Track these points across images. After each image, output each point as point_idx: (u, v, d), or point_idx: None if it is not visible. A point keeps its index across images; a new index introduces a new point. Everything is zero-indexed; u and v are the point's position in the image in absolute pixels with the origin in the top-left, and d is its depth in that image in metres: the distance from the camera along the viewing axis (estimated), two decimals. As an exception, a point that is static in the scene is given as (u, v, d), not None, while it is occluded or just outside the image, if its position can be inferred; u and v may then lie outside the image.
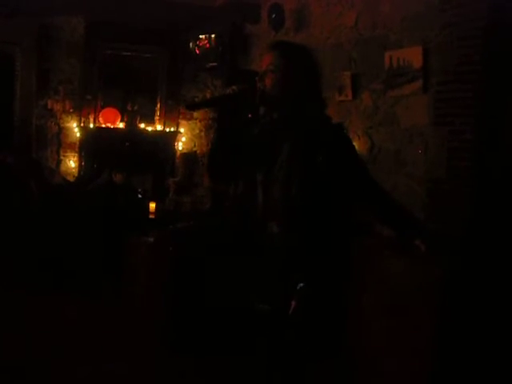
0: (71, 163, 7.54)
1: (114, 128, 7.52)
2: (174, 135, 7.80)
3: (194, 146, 7.85)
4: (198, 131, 7.84)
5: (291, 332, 2.27)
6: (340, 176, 2.29)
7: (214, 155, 2.46)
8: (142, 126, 7.66)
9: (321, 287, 2.28)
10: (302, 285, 2.23)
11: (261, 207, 2.35)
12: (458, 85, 3.97)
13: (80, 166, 7.50)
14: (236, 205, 2.46)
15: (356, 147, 5.42)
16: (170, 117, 7.74)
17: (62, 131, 7.54)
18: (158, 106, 7.75)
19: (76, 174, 7.49)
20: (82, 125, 7.47)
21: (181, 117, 7.75)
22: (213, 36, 7.22)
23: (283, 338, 2.29)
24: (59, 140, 7.54)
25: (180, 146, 7.78)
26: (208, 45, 7.24)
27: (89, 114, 7.51)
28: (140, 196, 6.68)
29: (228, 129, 2.38)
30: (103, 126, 7.51)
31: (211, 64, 7.32)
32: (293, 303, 2.23)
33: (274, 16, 6.50)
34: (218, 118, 2.42)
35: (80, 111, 7.50)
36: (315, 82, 2.41)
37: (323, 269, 2.29)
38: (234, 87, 2.34)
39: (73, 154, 7.55)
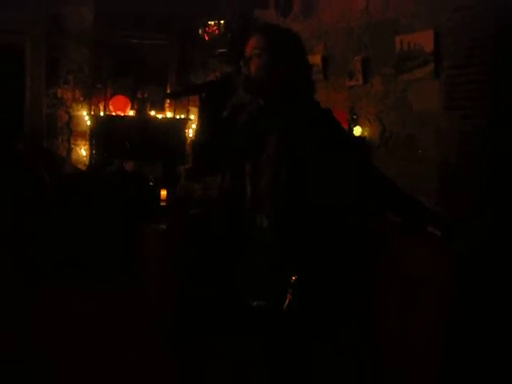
0: (82, 151, 7.56)
1: (124, 116, 7.53)
2: (185, 122, 7.79)
3: (205, 132, 7.82)
4: (208, 118, 7.81)
5: (288, 326, 2.21)
6: (331, 163, 2.20)
7: (199, 146, 2.35)
8: (153, 113, 7.66)
9: (316, 278, 2.22)
10: (296, 277, 2.16)
11: (249, 199, 2.25)
12: (470, 68, 3.93)
13: (91, 154, 7.51)
14: (223, 198, 2.31)
15: (367, 132, 5.45)
16: (180, 104, 7.72)
17: (72, 120, 7.56)
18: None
19: (87, 163, 7.51)
20: (92, 113, 7.48)
21: (191, 104, 7.72)
22: (222, 22, 7.19)
23: (281, 332, 2.23)
24: (70, 128, 7.56)
25: (190, 132, 7.77)
26: (217, 31, 7.20)
27: (99, 102, 7.53)
28: (151, 183, 6.69)
29: (213, 117, 2.26)
30: (113, 113, 7.51)
31: (221, 50, 7.29)
32: (288, 296, 2.16)
33: (281, 1, 6.45)
34: (202, 107, 2.29)
35: (90, 99, 7.51)
36: (302, 66, 2.32)
37: (317, 259, 2.22)
38: (217, 73, 2.26)
39: (83, 142, 7.57)
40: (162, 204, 6.23)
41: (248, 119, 2.31)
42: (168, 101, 7.70)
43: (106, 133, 7.42)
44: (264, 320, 2.27)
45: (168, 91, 7.68)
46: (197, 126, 2.39)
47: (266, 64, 2.23)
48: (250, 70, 2.25)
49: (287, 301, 2.17)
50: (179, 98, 7.15)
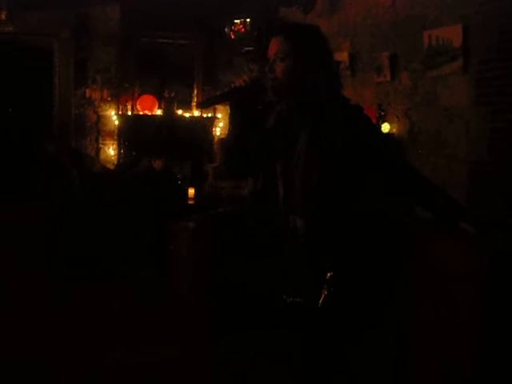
0: (110, 151, 7.64)
1: (151, 115, 7.59)
2: (212, 121, 7.83)
3: (232, 131, 7.84)
4: (235, 116, 7.83)
5: (323, 322, 2.22)
6: (362, 160, 2.18)
7: (231, 150, 2.35)
8: (180, 112, 7.70)
9: (351, 274, 2.22)
10: (331, 274, 2.17)
11: (282, 200, 2.26)
12: (500, 63, 3.89)
13: (119, 153, 7.59)
14: (256, 199, 2.34)
15: (395, 128, 5.42)
16: (206, 103, 7.76)
17: (100, 119, 7.64)
18: (195, 91, 7.78)
19: (115, 162, 7.58)
20: (120, 113, 7.55)
21: (217, 102, 7.75)
22: (248, 20, 7.21)
23: (316, 328, 2.25)
24: (98, 128, 7.65)
25: (218, 131, 7.81)
26: (243, 29, 7.23)
27: (126, 101, 7.59)
28: (179, 182, 6.73)
29: (243, 122, 2.26)
30: (141, 113, 7.58)
31: (247, 48, 7.31)
32: (323, 293, 2.17)
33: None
34: (232, 112, 2.30)
35: (118, 99, 7.57)
36: (328, 62, 2.28)
37: (352, 255, 2.22)
38: (245, 78, 2.25)
39: (112, 141, 7.65)
40: (190, 202, 6.27)
41: (277, 120, 2.31)
42: (195, 99, 7.76)
43: (133, 132, 7.49)
44: (299, 316, 2.29)
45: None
46: (228, 130, 2.41)
47: (291, 67, 2.21)
48: (275, 74, 2.23)
49: (322, 297, 2.18)
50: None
